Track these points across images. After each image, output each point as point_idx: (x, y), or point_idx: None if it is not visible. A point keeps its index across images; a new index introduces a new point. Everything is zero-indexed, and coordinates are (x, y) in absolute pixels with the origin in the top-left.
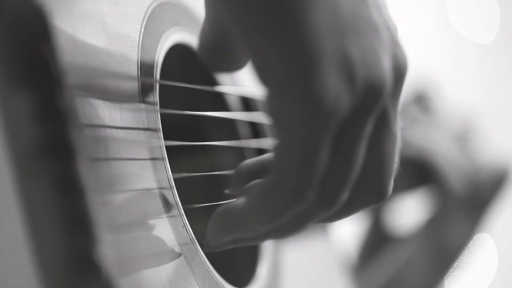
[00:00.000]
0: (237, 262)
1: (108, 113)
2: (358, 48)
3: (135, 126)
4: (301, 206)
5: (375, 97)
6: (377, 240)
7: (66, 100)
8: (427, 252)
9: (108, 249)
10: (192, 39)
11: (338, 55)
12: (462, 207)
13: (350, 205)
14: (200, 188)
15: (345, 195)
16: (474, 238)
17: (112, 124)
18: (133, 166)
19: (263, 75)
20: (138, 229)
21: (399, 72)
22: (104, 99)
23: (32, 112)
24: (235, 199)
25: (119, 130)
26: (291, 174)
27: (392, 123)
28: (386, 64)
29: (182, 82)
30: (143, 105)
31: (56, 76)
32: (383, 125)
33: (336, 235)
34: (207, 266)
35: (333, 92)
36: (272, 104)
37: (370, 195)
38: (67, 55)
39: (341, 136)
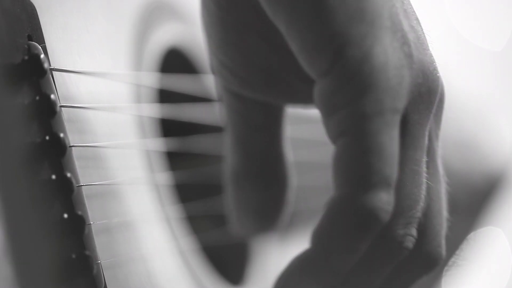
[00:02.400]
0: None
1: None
2: (411, 29)
3: None
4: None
5: (430, 91)
6: None
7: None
8: None
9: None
10: None
11: (395, 25)
12: None
13: (399, 279)
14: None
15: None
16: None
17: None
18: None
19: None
20: (126, 230)
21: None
22: None
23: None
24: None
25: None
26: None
27: (436, 154)
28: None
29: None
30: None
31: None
32: (428, 156)
33: None
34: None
35: (396, 63)
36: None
37: (419, 263)
38: None
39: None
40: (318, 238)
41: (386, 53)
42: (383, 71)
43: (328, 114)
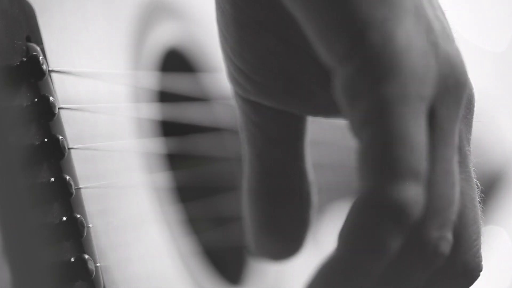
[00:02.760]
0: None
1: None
2: (435, 18)
3: None
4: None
5: (458, 84)
6: None
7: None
8: None
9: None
10: None
11: (418, 10)
12: None
13: None
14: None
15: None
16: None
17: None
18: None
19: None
20: (126, 232)
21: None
22: None
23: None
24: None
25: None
26: None
27: (468, 159)
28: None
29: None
30: None
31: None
32: (460, 158)
33: (325, 245)
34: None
35: (420, 48)
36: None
37: (456, 274)
38: None
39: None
40: (345, 238)
41: (409, 36)
42: (406, 55)
43: (349, 104)
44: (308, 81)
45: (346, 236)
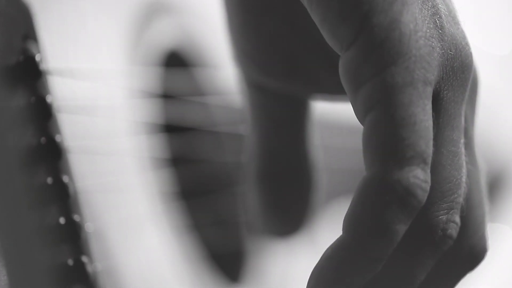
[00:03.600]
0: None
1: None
2: (442, 1)
3: None
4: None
5: (463, 67)
6: None
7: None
8: None
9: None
10: None
11: None
12: None
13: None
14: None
15: None
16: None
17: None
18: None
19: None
20: (125, 234)
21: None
22: None
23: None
24: None
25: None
26: None
27: (473, 142)
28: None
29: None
30: None
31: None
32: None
33: (322, 244)
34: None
35: (427, 31)
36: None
37: (462, 257)
38: None
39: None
40: (350, 223)
41: (415, 20)
42: (412, 39)
43: (355, 89)
44: (313, 62)
45: (352, 220)
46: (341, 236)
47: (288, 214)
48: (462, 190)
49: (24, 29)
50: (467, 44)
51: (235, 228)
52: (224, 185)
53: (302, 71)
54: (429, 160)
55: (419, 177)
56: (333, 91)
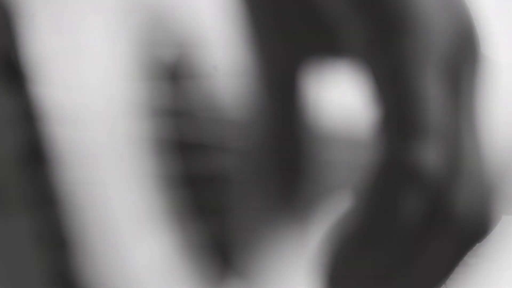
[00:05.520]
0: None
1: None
2: None
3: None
4: None
5: (475, 41)
6: None
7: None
8: None
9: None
10: None
11: None
12: None
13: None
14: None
15: None
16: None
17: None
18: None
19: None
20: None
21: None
22: None
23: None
24: None
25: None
26: None
27: (479, 112)
28: None
29: None
30: None
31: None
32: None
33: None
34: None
35: (439, 8)
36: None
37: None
38: None
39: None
40: (360, 199)
41: None
42: (425, 15)
43: (366, 65)
44: (307, 22)
45: (361, 197)
46: (348, 209)
47: (286, 175)
48: (478, 167)
49: (17, 30)
50: (475, 20)
51: (236, 219)
52: (226, 175)
53: (298, 30)
54: (444, 136)
55: (429, 152)
56: (328, 51)
